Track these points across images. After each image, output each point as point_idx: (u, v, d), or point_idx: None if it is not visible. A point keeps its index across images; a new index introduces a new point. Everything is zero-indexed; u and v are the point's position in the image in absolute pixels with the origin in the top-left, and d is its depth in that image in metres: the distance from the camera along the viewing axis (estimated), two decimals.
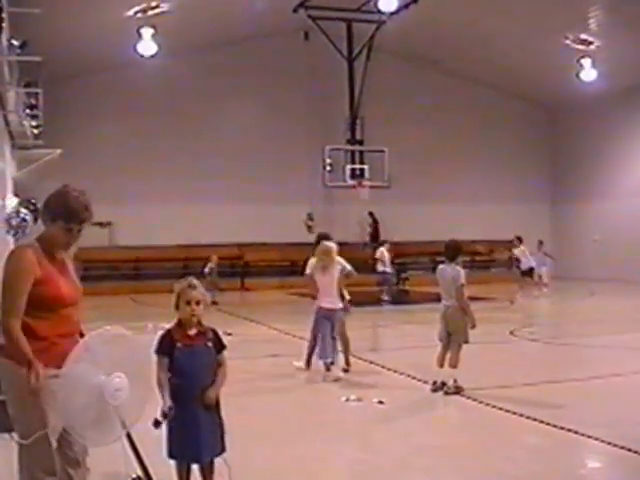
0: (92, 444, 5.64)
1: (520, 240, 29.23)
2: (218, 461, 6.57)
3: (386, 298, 28.07)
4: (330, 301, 13.17)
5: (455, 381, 11.76)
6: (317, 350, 13.29)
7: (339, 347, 13.52)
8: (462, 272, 11.90)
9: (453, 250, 12.10)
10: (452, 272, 11.90)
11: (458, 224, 37.91)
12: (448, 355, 11.87)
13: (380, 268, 28.28)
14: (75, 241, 5.74)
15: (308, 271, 13.65)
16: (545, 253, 32.25)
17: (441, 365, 11.95)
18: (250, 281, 34.30)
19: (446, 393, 11.70)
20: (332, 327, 13.15)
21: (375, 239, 35.43)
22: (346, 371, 13.37)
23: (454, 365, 11.84)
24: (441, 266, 12.19)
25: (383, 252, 28.29)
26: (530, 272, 28.96)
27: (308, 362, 13.64)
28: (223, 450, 6.52)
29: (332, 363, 13.19)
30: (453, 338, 11.92)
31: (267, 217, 35.28)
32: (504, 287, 30.23)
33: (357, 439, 9.73)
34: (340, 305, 13.31)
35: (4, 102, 22.08)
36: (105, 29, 29.19)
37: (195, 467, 6.64)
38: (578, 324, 22.32)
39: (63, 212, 5.64)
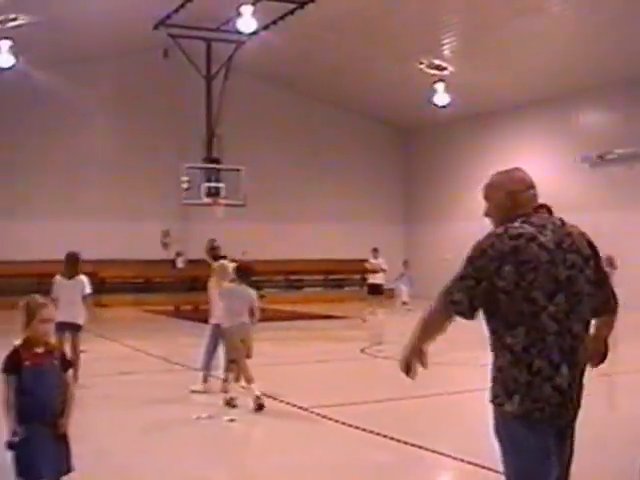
0: None
1: (377, 251, 29.79)
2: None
3: None
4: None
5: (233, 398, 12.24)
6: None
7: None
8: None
9: (246, 271, 12.69)
10: (248, 292, 12.45)
11: (314, 243, 38.45)
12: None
13: None
14: None
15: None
16: (403, 274, 32.93)
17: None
18: (105, 297, 33.94)
19: (232, 405, 12.09)
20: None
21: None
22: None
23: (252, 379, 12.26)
24: (233, 285, 12.68)
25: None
26: (378, 288, 29.37)
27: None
28: (70, 469, 6.45)
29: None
30: (248, 352, 12.42)
31: (123, 233, 34.95)
32: (357, 305, 30.61)
33: (207, 457, 9.64)
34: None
35: None
36: None
37: None
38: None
39: None
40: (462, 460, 9.00)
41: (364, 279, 30.73)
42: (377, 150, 42.08)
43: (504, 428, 4.75)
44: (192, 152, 32.16)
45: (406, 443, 9.76)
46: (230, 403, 12.10)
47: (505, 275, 4.62)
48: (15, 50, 29.30)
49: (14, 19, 27.90)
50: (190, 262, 34.37)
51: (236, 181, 31.18)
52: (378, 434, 10.25)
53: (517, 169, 5.13)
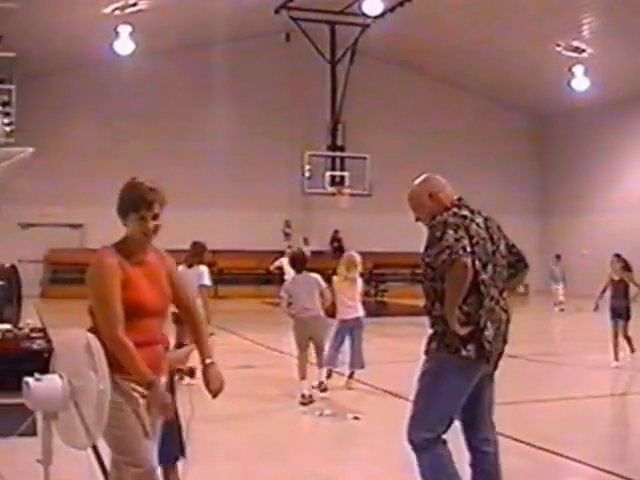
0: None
1: None
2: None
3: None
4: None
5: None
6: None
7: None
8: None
9: (301, 262, 12.86)
10: (310, 278, 12.50)
11: None
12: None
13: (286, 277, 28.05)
14: (152, 231, 5.27)
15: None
16: (554, 270, 31.54)
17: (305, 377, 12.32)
18: (224, 289, 33.58)
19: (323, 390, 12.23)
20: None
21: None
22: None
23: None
24: (293, 277, 13.03)
25: (283, 262, 27.91)
26: None
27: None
28: (183, 454, 6.42)
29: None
30: (319, 344, 12.48)
31: (243, 223, 34.68)
32: None
33: (325, 454, 9.55)
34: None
35: None
36: (82, 26, 28.64)
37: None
38: (562, 341, 21.84)
39: (129, 203, 5.23)
40: (597, 468, 8.75)
41: None
42: (510, 138, 40.90)
43: (444, 371, 6.09)
44: (315, 139, 31.72)
45: (534, 446, 9.57)
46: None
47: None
48: (135, 36, 29.22)
49: (134, 4, 27.81)
50: (312, 253, 33.86)
51: (361, 170, 30.56)
52: (508, 437, 9.69)
53: (429, 177, 6.84)
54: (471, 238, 5.96)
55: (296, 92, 35.39)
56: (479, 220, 6.22)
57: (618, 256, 16.53)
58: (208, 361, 5.44)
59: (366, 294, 27.79)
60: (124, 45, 29.39)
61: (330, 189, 30.65)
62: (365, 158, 30.65)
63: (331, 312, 13.11)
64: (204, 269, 13.78)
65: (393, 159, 35.75)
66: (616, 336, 15.87)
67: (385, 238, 35.85)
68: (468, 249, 5.83)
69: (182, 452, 6.47)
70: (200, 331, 5.59)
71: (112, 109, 34.08)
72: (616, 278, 16.09)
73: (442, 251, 5.83)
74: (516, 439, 9.68)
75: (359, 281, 13.47)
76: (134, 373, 4.98)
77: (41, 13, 26.13)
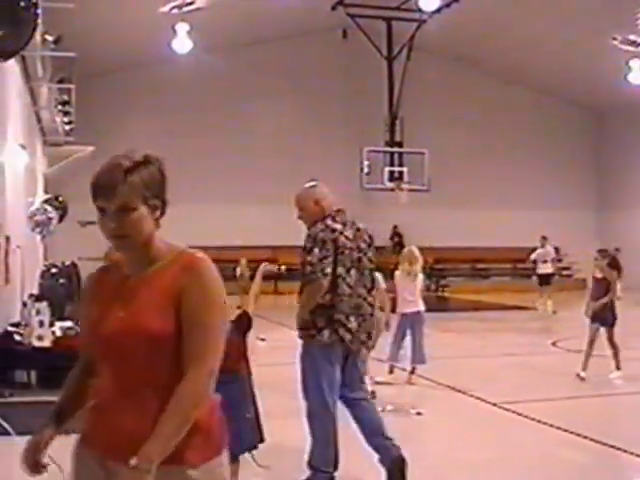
0: None
1: (545, 239, 28.12)
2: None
3: None
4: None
5: None
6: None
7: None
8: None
9: None
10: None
11: (498, 230, 37.18)
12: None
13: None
14: (114, 235, 3.25)
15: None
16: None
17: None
18: (284, 285, 33.59)
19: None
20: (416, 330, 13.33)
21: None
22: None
23: None
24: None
25: None
26: (548, 278, 27.64)
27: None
28: (262, 440, 6.62)
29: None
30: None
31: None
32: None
33: None
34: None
35: (36, 98, 21.76)
36: (140, 25, 28.79)
37: None
38: (623, 335, 21.55)
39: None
40: None
41: (533, 269, 29.04)
42: (567, 132, 40.57)
43: (311, 352, 7.30)
44: (373, 135, 31.63)
45: (596, 442, 9.37)
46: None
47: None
48: (192, 34, 29.27)
49: (191, 3, 27.76)
50: None
51: (419, 165, 30.41)
52: (572, 432, 9.82)
53: (319, 184, 7.76)
54: (337, 248, 7.21)
55: (353, 88, 35.41)
56: (348, 233, 7.40)
57: (602, 251, 14.32)
58: (133, 462, 3.11)
59: (427, 289, 27.73)
60: (182, 43, 29.37)
61: (389, 185, 30.55)
62: (423, 153, 30.50)
63: (392, 307, 12.98)
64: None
65: (451, 154, 35.66)
66: (592, 344, 13.65)
67: (444, 233, 35.68)
68: (328, 270, 7.12)
69: (261, 439, 6.55)
70: (171, 402, 3.20)
71: (170, 107, 34.30)
72: (598, 276, 13.81)
73: (307, 265, 7.19)
74: (577, 434, 9.62)
75: (420, 276, 13.50)
76: None
77: (100, 13, 26.30)
